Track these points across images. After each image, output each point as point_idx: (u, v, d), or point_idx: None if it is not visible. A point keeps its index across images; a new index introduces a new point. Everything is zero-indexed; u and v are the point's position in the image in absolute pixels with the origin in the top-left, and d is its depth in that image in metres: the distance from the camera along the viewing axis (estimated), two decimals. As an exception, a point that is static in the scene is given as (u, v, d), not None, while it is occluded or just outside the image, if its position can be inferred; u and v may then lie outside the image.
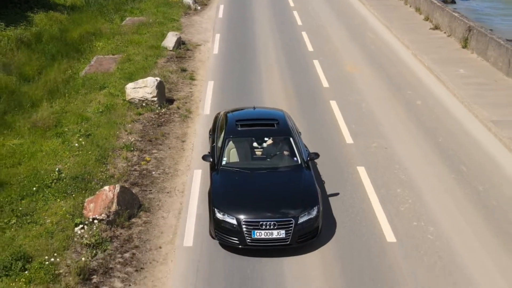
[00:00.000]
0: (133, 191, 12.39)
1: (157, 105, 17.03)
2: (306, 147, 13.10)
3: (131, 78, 18.76)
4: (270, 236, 10.66)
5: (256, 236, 10.65)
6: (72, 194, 12.15)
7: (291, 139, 12.48)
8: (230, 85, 19.35)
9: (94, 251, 10.57)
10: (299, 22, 27.25)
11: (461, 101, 17.93)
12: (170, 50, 22.18)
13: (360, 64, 21.47)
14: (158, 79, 17.32)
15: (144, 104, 17.02)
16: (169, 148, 15.00)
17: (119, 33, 24.23)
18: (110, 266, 10.36)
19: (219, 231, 10.87)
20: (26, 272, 9.86)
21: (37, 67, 20.05)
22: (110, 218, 11.29)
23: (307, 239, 10.92)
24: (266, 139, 12.51)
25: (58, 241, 10.72)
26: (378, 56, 22.52)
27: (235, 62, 21.58)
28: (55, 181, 12.63)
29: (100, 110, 16.49)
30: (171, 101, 17.78)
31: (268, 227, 10.66)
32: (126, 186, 12.53)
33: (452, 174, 13.81)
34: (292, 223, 10.70)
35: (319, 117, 16.86)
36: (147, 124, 16.13)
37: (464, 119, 16.83)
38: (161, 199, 12.66)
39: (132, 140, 15.06)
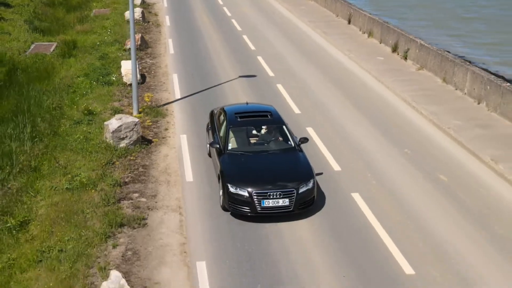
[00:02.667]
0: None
1: (142, 21, 31.34)
2: (295, 135, 14.94)
3: (122, 13, 32.93)
4: (276, 204, 12.73)
5: (265, 205, 12.67)
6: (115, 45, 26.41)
7: (283, 127, 14.74)
8: (181, 17, 33.92)
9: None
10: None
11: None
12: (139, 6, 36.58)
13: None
14: (141, 9, 31.76)
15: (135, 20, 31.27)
16: (153, 32, 29.36)
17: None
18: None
19: (233, 202, 12.83)
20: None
21: (63, 12, 34.08)
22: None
23: (306, 206, 13.05)
24: (263, 127, 14.69)
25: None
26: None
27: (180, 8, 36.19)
28: (103, 42, 26.82)
29: (112, 25, 30.60)
30: (147, 21, 32.12)
31: (275, 196, 12.71)
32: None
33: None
34: (294, 193, 12.77)
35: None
36: (139, 26, 30.31)
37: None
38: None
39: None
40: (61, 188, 13.87)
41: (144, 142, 16.57)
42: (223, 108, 15.65)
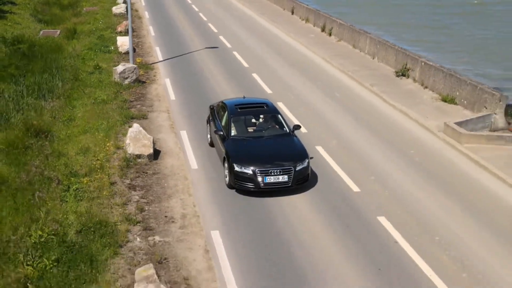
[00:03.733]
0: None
1: (126, 14, 39.03)
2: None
3: (109, 9, 40.50)
4: (277, 180, 14.52)
5: (267, 181, 14.41)
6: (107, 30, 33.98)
7: (278, 115, 16.60)
8: None
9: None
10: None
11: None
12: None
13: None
14: (125, 4, 39.47)
15: (120, 14, 38.89)
16: (136, 22, 37.02)
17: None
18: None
19: (238, 180, 14.65)
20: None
21: (58, 9, 41.52)
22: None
23: (302, 182, 14.89)
24: (261, 116, 16.49)
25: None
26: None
27: None
28: (98, 29, 34.36)
29: (102, 17, 38.11)
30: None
31: (275, 173, 14.52)
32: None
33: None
34: (292, 170, 14.60)
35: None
36: (125, 18, 37.89)
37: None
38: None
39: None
40: (89, 103, 21.41)
41: (140, 82, 24.24)
42: (222, 102, 17.80)
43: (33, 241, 12.24)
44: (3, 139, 17.48)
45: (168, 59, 28.38)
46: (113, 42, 30.57)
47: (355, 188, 15.36)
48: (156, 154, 17.17)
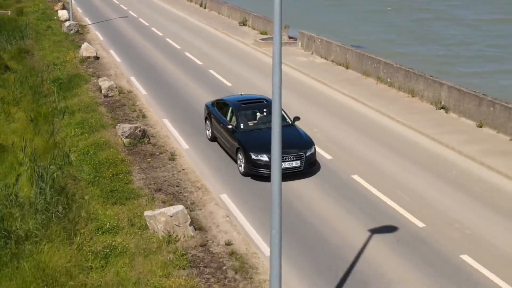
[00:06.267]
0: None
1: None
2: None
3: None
4: (291, 165, 16.62)
5: (282, 166, 14.40)
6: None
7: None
8: None
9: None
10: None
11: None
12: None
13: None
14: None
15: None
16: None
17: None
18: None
19: (255, 167, 16.64)
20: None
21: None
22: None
23: (311, 166, 17.13)
24: (264, 110, 18.36)
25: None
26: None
27: None
28: (39, 9, 48.07)
29: (40, 3, 51.65)
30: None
31: (289, 159, 16.53)
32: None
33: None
34: (303, 156, 16.78)
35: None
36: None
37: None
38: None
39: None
40: (51, 42, 35.52)
41: (80, 33, 38.63)
42: (222, 99, 19.78)
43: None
44: (9, 55, 31.48)
45: (95, 23, 42.80)
46: (55, 15, 44.54)
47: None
48: (97, 58, 31.82)
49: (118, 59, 31.80)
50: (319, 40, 31.80)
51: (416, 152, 19.14)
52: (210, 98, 22.54)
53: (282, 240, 9.96)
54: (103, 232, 13.92)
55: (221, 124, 18.51)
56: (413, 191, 16.52)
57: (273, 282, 9.80)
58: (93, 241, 13.60)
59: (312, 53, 32.19)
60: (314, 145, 17.56)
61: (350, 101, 24.32)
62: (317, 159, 17.96)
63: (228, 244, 13.73)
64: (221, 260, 13.09)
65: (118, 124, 19.99)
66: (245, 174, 17.13)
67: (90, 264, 12.72)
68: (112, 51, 33.62)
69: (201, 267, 12.80)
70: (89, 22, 43.23)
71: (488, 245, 13.92)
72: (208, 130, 19.94)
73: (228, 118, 18.56)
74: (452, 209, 15.56)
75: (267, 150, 15.35)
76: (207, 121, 19.99)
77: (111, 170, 16.97)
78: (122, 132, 19.24)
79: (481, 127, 20.74)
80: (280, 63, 9.31)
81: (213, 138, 19.69)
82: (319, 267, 13.08)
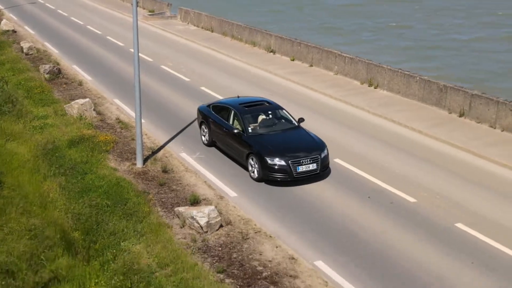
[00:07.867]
0: None
1: None
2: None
3: None
4: (308, 169, 16.08)
5: (299, 170, 15.78)
6: None
7: (284, 110, 18.16)
8: None
9: None
10: None
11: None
12: None
13: None
14: None
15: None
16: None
17: None
18: None
19: (271, 171, 15.94)
20: None
21: None
22: None
23: (326, 168, 16.68)
24: (269, 112, 17.74)
25: None
26: None
27: None
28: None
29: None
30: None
31: (306, 162, 16.05)
32: None
33: None
34: (319, 159, 16.24)
35: None
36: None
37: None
38: None
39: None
40: None
41: (14, 31, 45.83)
42: (220, 103, 19.25)
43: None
44: None
45: (7, 7, 49.86)
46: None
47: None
48: (15, 31, 39.43)
49: (32, 32, 39.60)
50: (193, 12, 41.20)
51: (244, 75, 28.88)
52: (102, 46, 31.57)
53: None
54: (39, 118, 22.50)
55: (224, 129, 18.02)
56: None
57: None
58: (33, 122, 22.15)
59: (188, 23, 41.62)
60: (326, 147, 17.17)
61: (211, 52, 33.90)
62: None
63: (118, 118, 22.72)
64: (113, 126, 22.06)
65: (40, 66, 28.35)
66: (259, 180, 16.62)
67: (33, 131, 21.33)
68: (26, 27, 41.29)
69: (101, 129, 21.75)
70: (1, 7, 50.27)
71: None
72: (205, 136, 19.45)
73: (231, 121, 18.02)
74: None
75: (284, 154, 16.08)
76: (203, 126, 19.42)
77: (38, 90, 25.43)
78: (43, 70, 27.64)
79: (293, 60, 30.86)
80: (137, 34, 18.14)
81: (211, 143, 19.21)
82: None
